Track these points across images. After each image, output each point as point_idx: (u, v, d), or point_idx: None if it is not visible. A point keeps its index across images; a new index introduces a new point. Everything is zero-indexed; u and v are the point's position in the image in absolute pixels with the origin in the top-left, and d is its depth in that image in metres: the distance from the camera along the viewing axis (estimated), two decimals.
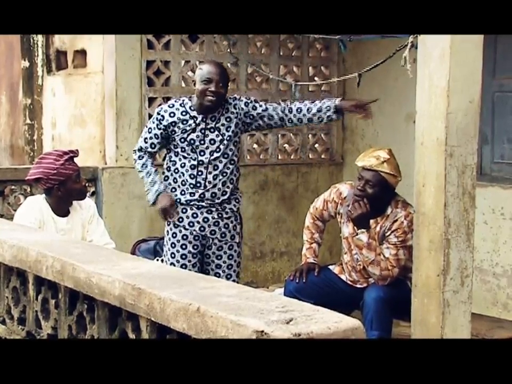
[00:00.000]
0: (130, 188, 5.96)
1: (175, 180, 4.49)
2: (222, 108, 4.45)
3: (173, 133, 4.45)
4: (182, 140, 4.44)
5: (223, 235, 4.52)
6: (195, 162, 4.45)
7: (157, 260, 4.82)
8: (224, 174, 4.47)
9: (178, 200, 4.48)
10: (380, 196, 4.24)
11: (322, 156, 6.97)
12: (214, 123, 4.46)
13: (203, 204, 4.47)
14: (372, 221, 4.30)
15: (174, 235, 4.51)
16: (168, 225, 4.53)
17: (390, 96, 6.39)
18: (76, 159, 4.47)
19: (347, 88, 6.81)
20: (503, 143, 5.66)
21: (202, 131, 4.44)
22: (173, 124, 4.44)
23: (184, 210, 4.48)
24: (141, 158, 4.52)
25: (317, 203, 4.61)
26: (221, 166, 4.47)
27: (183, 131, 4.44)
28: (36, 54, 7.28)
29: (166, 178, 4.50)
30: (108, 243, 4.54)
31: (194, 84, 4.41)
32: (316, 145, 6.93)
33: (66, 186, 4.38)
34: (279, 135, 6.72)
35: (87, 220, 4.56)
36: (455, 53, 3.58)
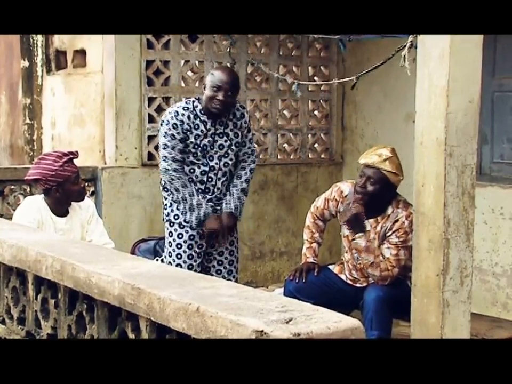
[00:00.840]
0: (130, 187, 5.96)
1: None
2: (229, 113, 4.45)
3: (187, 139, 4.40)
4: (196, 146, 4.40)
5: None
6: (206, 168, 4.44)
7: (157, 259, 4.81)
8: (229, 178, 4.51)
9: None
10: (380, 193, 4.24)
11: (322, 156, 6.97)
12: (222, 128, 4.46)
13: (210, 203, 4.50)
14: (372, 221, 4.30)
15: (180, 236, 4.51)
16: (172, 226, 4.53)
17: (390, 95, 6.40)
18: (75, 161, 4.47)
19: (346, 88, 6.82)
20: (503, 142, 5.66)
21: (212, 136, 4.43)
22: (188, 129, 4.38)
23: None
24: (179, 178, 4.37)
25: (317, 202, 4.61)
26: (228, 172, 4.49)
27: (196, 136, 4.40)
28: (36, 54, 7.28)
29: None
30: (107, 243, 4.55)
31: (205, 88, 4.38)
32: (316, 145, 6.93)
33: (65, 187, 4.37)
34: (279, 135, 6.72)
35: (86, 220, 4.56)
36: (454, 53, 3.58)
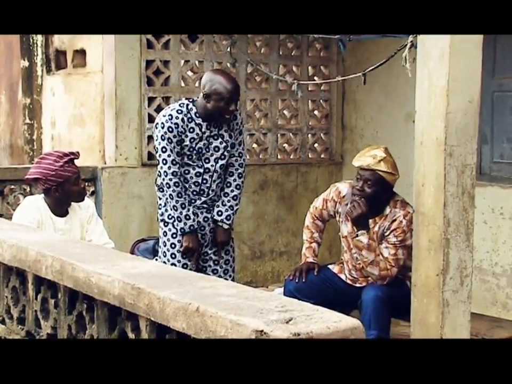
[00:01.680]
0: (130, 187, 5.96)
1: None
2: None
3: (182, 142, 4.39)
4: (191, 149, 4.39)
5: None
6: (201, 170, 4.43)
7: (156, 259, 4.81)
8: (222, 180, 4.50)
9: None
10: (378, 195, 4.24)
11: (322, 156, 6.97)
12: (216, 130, 4.45)
13: (204, 205, 4.49)
14: (370, 221, 4.30)
15: (174, 235, 4.50)
16: (166, 226, 4.52)
17: (390, 95, 6.40)
18: (76, 161, 4.46)
19: (346, 87, 6.82)
20: (503, 142, 5.66)
21: (207, 138, 4.43)
22: (182, 132, 4.36)
23: None
24: (176, 185, 4.37)
25: (316, 202, 4.61)
26: (223, 173, 4.49)
27: (191, 140, 4.39)
28: (36, 54, 7.28)
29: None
30: (107, 243, 4.55)
31: (204, 95, 4.33)
32: (316, 145, 6.93)
33: (65, 188, 4.37)
34: (279, 135, 6.72)
35: (86, 220, 4.56)
36: (454, 53, 3.58)
